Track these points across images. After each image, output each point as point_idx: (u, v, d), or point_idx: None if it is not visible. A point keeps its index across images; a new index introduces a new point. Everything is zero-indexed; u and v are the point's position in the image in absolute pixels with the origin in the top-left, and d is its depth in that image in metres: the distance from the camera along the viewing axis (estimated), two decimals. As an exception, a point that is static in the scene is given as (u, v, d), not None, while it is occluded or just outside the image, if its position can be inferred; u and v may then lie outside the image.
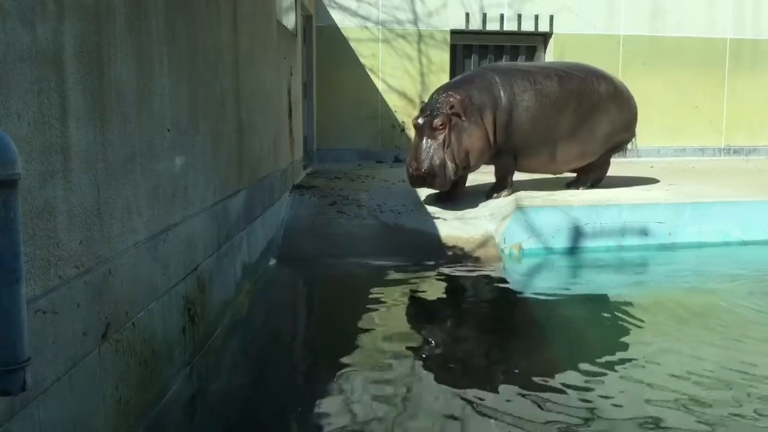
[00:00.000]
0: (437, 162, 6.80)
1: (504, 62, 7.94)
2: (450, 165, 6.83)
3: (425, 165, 6.79)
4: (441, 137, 6.81)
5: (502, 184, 7.50)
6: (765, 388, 3.47)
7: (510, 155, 7.34)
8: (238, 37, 4.93)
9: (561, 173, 7.99)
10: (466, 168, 7.10)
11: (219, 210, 4.36)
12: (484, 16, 11.43)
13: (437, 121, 6.78)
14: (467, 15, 11.37)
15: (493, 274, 5.98)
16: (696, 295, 5.15)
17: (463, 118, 6.85)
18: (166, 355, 3.24)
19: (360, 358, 4.01)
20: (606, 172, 8.06)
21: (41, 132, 2.15)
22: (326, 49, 10.93)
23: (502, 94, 7.08)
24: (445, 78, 10.57)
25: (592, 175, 7.92)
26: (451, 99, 6.84)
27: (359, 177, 9.10)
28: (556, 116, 7.24)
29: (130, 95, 2.88)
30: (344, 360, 3.91)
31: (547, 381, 3.59)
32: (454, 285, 5.73)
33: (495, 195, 7.44)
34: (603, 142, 7.62)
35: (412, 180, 7.02)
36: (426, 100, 7.42)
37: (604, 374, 3.70)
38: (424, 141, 6.84)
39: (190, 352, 3.62)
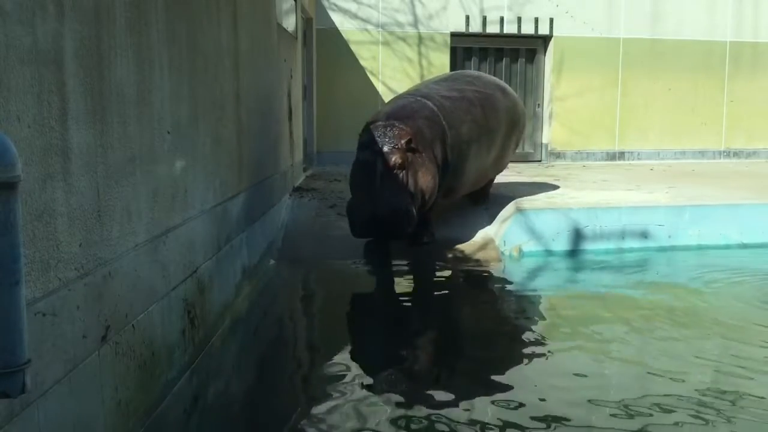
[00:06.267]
0: (401, 206, 5.66)
1: (423, 86, 7.09)
2: (413, 209, 5.75)
3: (385, 210, 5.62)
4: (400, 176, 5.72)
5: (430, 225, 6.53)
6: (760, 384, 3.47)
7: (447, 190, 6.47)
8: (238, 40, 4.94)
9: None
10: (421, 209, 6.03)
11: (219, 212, 4.36)
12: (484, 18, 11.44)
13: (396, 158, 5.68)
14: (467, 18, 11.38)
15: (493, 275, 5.99)
16: (696, 297, 5.14)
17: (416, 154, 5.85)
18: (165, 357, 3.24)
19: (359, 360, 4.00)
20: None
21: (41, 134, 2.15)
22: (326, 51, 10.94)
23: (446, 126, 6.21)
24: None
25: (490, 185, 7.65)
26: (407, 131, 5.82)
27: (359, 179, 9.08)
28: (484, 138, 6.76)
29: (130, 97, 2.88)
30: (343, 361, 3.91)
31: (545, 381, 3.59)
32: (454, 286, 5.73)
33: (426, 239, 6.44)
34: (504, 150, 7.32)
35: (358, 229, 5.83)
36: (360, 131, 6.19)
37: (603, 374, 3.70)
38: (379, 181, 5.69)
39: (190, 354, 3.61)
